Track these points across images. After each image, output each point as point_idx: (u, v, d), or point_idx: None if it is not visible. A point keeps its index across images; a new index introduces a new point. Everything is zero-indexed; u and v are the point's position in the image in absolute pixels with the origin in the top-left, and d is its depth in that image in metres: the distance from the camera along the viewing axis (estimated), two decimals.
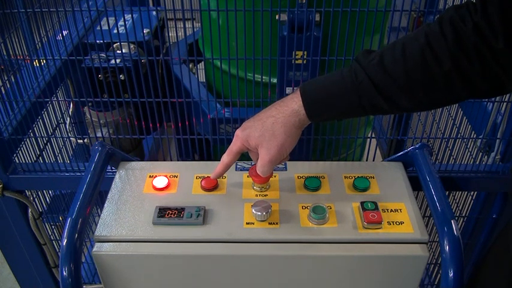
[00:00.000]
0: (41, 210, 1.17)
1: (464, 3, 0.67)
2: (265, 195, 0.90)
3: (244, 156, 1.15)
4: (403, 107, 0.73)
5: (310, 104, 0.75)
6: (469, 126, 1.09)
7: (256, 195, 0.90)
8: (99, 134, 1.12)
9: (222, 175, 0.89)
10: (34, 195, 1.18)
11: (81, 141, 1.17)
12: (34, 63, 1.03)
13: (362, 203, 0.85)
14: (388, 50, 0.71)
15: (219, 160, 0.88)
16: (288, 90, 0.97)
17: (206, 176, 0.93)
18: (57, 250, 1.23)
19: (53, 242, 1.22)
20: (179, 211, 0.85)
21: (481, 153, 1.08)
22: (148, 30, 1.14)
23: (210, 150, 1.14)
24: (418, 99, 0.71)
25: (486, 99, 1.04)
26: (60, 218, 1.31)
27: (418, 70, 0.68)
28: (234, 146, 0.83)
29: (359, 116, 0.79)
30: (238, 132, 0.82)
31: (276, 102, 0.80)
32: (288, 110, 0.77)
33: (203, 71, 1.32)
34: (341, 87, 0.73)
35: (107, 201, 0.89)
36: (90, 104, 1.08)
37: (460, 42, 0.65)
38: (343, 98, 0.73)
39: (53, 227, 1.29)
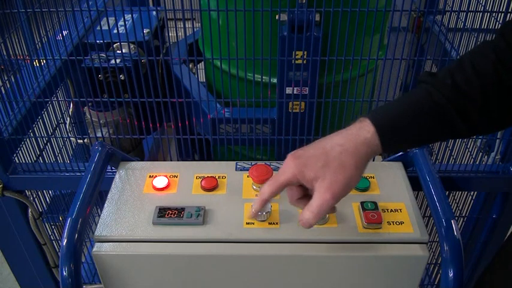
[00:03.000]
0: (41, 210, 1.17)
1: None
2: None
3: (244, 156, 1.16)
4: (480, 128, 0.68)
5: (385, 131, 0.67)
6: None
7: (256, 195, 0.90)
8: (99, 134, 1.12)
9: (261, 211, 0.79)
10: (34, 195, 1.18)
11: (81, 141, 1.16)
12: (34, 63, 1.03)
13: (362, 203, 0.85)
14: (456, 69, 0.66)
15: (219, 160, 0.87)
16: (288, 90, 0.97)
17: (206, 176, 0.93)
18: (57, 250, 1.23)
19: (53, 242, 1.22)
20: (179, 211, 0.85)
21: (481, 153, 1.08)
22: (148, 30, 1.14)
23: (210, 150, 1.14)
24: (494, 117, 0.67)
25: None
26: (60, 218, 1.31)
27: (493, 87, 0.64)
28: (283, 176, 0.69)
29: (433, 142, 0.74)
30: (290, 160, 0.69)
31: (337, 132, 0.69)
32: (359, 139, 0.66)
33: (203, 71, 1.32)
34: (416, 111, 0.67)
35: (107, 201, 0.89)
36: (90, 104, 1.08)
37: None
38: (419, 123, 0.67)
39: (53, 227, 1.29)
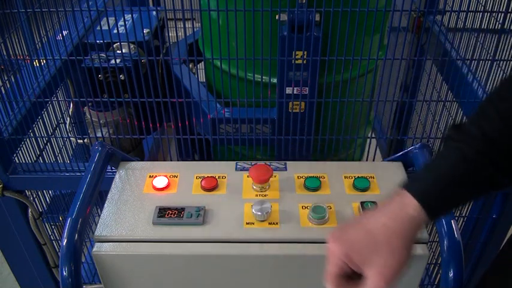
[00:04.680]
0: (41, 210, 1.17)
1: None
2: (265, 195, 0.90)
3: (244, 156, 1.16)
4: None
5: (429, 205, 0.63)
6: None
7: (256, 195, 0.90)
8: (99, 134, 1.12)
9: None
10: (34, 195, 1.18)
11: (81, 141, 1.17)
12: (34, 63, 1.03)
13: (362, 203, 0.85)
14: (482, 118, 0.64)
15: (219, 160, 0.87)
16: (288, 90, 0.97)
17: (206, 176, 0.93)
18: (57, 250, 1.23)
19: (53, 242, 1.22)
20: (179, 211, 0.85)
21: None
22: (148, 30, 1.14)
23: (210, 150, 1.14)
24: None
25: None
26: (60, 218, 1.31)
27: None
28: (333, 268, 0.64)
29: (477, 199, 0.71)
30: (332, 246, 0.64)
31: (379, 209, 0.65)
32: (404, 217, 0.62)
33: (203, 71, 1.32)
34: (454, 176, 0.63)
35: (107, 201, 0.89)
36: (90, 104, 1.08)
37: None
38: (460, 187, 0.64)
39: (53, 227, 1.29)
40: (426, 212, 0.62)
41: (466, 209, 1.24)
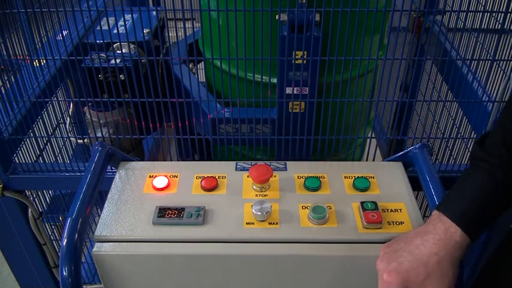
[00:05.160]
0: (41, 210, 1.17)
1: None
2: (265, 195, 0.90)
3: (244, 156, 1.16)
4: None
5: (470, 228, 0.71)
6: (469, 126, 1.09)
7: (256, 195, 0.90)
8: (99, 134, 1.12)
9: None
10: (34, 195, 1.18)
11: (81, 141, 1.17)
12: (34, 63, 1.03)
13: (362, 203, 0.85)
14: (507, 136, 0.69)
15: (219, 160, 0.87)
16: (288, 90, 0.97)
17: (206, 176, 0.93)
18: (57, 250, 1.23)
19: (53, 242, 1.22)
20: (179, 211, 0.85)
21: None
22: (148, 30, 1.14)
23: (210, 150, 1.14)
24: None
25: (486, 100, 1.04)
26: (60, 218, 1.31)
27: None
28: None
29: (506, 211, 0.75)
30: (389, 277, 0.71)
31: (424, 236, 0.73)
32: (450, 244, 0.70)
33: (203, 71, 1.32)
34: (486, 197, 0.71)
35: (107, 201, 0.89)
36: (90, 104, 1.08)
37: None
38: (494, 206, 0.71)
39: (53, 227, 1.29)
40: (469, 237, 0.71)
41: None
